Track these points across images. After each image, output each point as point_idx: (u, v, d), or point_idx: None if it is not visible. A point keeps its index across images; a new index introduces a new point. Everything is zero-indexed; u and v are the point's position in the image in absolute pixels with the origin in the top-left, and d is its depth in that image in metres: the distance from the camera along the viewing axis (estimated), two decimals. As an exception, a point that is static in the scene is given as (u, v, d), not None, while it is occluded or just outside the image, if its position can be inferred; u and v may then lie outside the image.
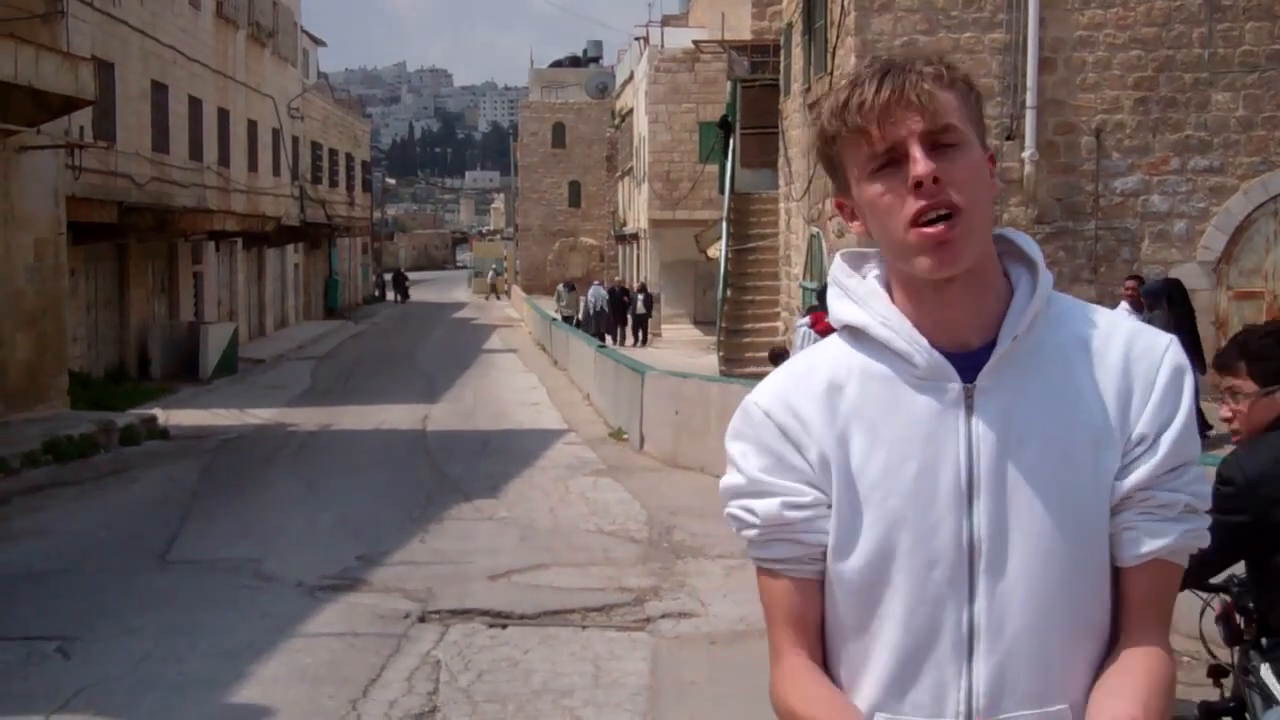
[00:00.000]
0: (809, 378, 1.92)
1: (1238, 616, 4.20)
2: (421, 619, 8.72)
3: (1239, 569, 4.12)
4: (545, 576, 9.92)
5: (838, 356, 1.92)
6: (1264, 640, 4.03)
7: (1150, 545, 1.83)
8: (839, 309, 1.93)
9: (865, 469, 1.85)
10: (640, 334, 33.46)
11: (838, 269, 1.96)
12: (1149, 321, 11.13)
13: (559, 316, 34.17)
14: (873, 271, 1.95)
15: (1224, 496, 3.63)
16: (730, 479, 1.94)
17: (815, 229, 20.78)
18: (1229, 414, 4.02)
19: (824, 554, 1.89)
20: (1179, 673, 6.71)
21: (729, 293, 25.48)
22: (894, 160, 1.78)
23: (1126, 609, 1.86)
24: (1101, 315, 1.91)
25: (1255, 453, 3.85)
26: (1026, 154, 17.32)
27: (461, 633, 8.37)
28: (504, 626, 8.53)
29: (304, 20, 45.52)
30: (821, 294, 15.83)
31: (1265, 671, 3.99)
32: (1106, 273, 17.66)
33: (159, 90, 27.56)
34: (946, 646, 1.84)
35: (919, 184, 1.75)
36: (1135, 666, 1.82)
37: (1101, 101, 17.53)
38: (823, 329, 10.68)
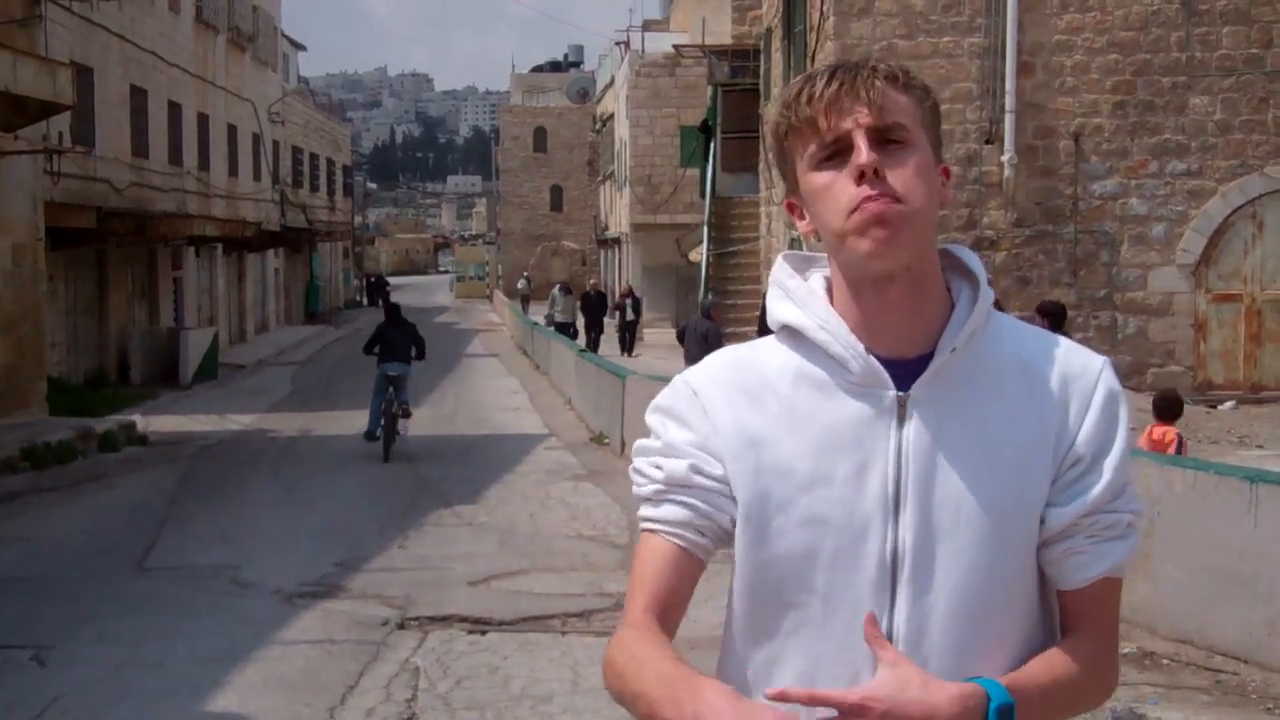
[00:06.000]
0: (745, 371, 1.92)
1: None
2: (400, 626, 8.68)
3: None
4: (525, 582, 9.90)
5: (774, 355, 1.92)
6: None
7: (1098, 568, 1.84)
8: (778, 309, 1.92)
9: (793, 470, 1.84)
10: (627, 340, 32.80)
11: (779, 270, 1.96)
12: None
13: (555, 323, 32.87)
14: (816, 275, 1.95)
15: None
16: (645, 441, 1.95)
17: (796, 233, 20.81)
18: None
19: (712, 532, 1.89)
20: (1160, 675, 6.63)
21: (710, 296, 25.47)
22: (840, 152, 1.79)
23: (1074, 627, 1.88)
24: (1037, 334, 1.92)
25: None
26: (1005, 158, 17.37)
27: (440, 639, 8.34)
28: (483, 633, 8.50)
29: (284, 24, 45.44)
30: None
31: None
32: (1086, 276, 17.73)
33: (138, 95, 27.45)
34: (865, 656, 1.82)
35: (861, 174, 1.76)
36: (1051, 658, 1.84)
37: (1080, 105, 17.60)
38: None
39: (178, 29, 30.71)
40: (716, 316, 19.59)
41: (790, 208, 1.93)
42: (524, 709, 7.02)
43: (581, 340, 30.26)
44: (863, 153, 1.77)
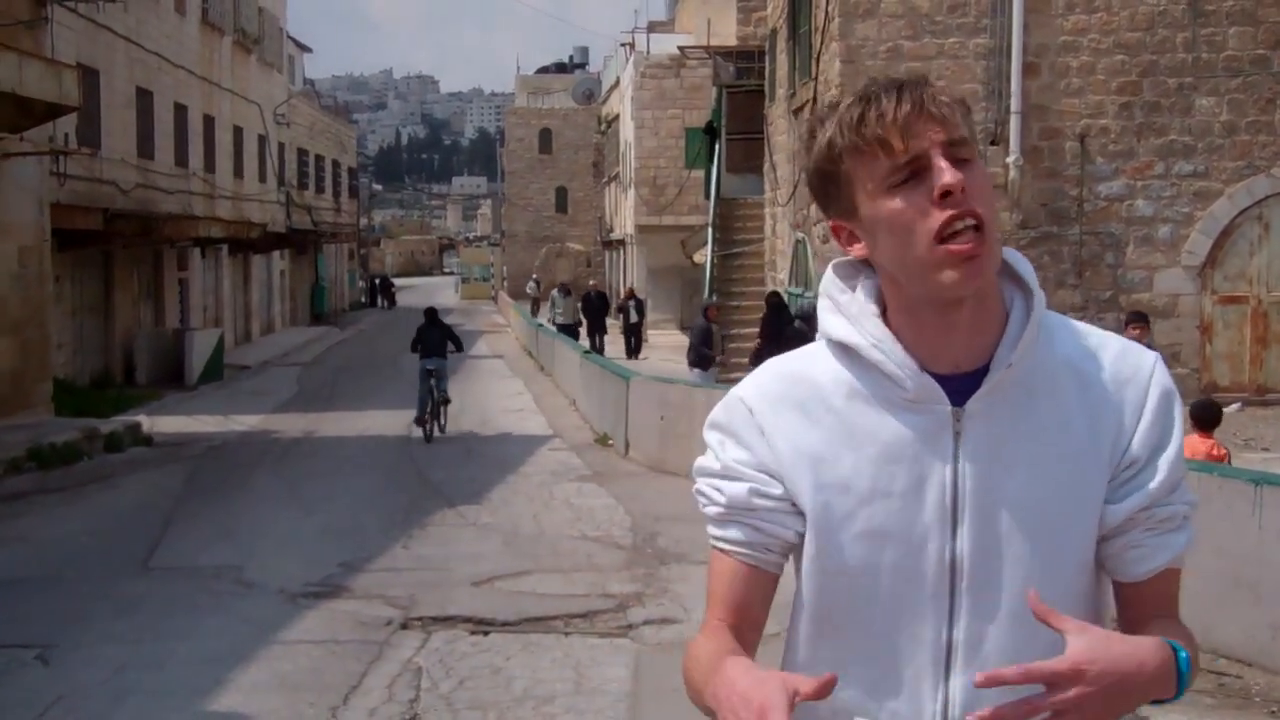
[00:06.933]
0: (797, 384, 1.91)
1: None
2: (403, 626, 8.69)
3: None
4: (528, 583, 9.90)
5: (826, 368, 1.91)
6: None
7: (1159, 560, 1.87)
8: (829, 323, 1.91)
9: (852, 485, 1.85)
10: (633, 343, 32.70)
11: (829, 282, 1.93)
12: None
13: (556, 325, 32.81)
14: (865, 284, 1.92)
15: None
16: (705, 461, 1.96)
17: (800, 234, 20.80)
18: None
19: (780, 548, 1.91)
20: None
21: (714, 298, 25.47)
22: (915, 174, 1.75)
23: (1139, 618, 1.89)
24: (1088, 334, 1.91)
25: None
26: (1011, 159, 17.35)
27: (443, 640, 8.34)
28: (486, 633, 8.50)
29: (290, 27, 45.50)
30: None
31: None
32: (1091, 278, 17.70)
33: (144, 97, 27.48)
34: (925, 661, 1.85)
35: (946, 193, 1.73)
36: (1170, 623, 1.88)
37: (1086, 106, 17.57)
38: None
39: (183, 31, 30.75)
40: (711, 315, 19.74)
41: (837, 231, 1.88)
42: (526, 710, 7.02)
43: (585, 342, 30.24)
44: (947, 172, 1.73)
